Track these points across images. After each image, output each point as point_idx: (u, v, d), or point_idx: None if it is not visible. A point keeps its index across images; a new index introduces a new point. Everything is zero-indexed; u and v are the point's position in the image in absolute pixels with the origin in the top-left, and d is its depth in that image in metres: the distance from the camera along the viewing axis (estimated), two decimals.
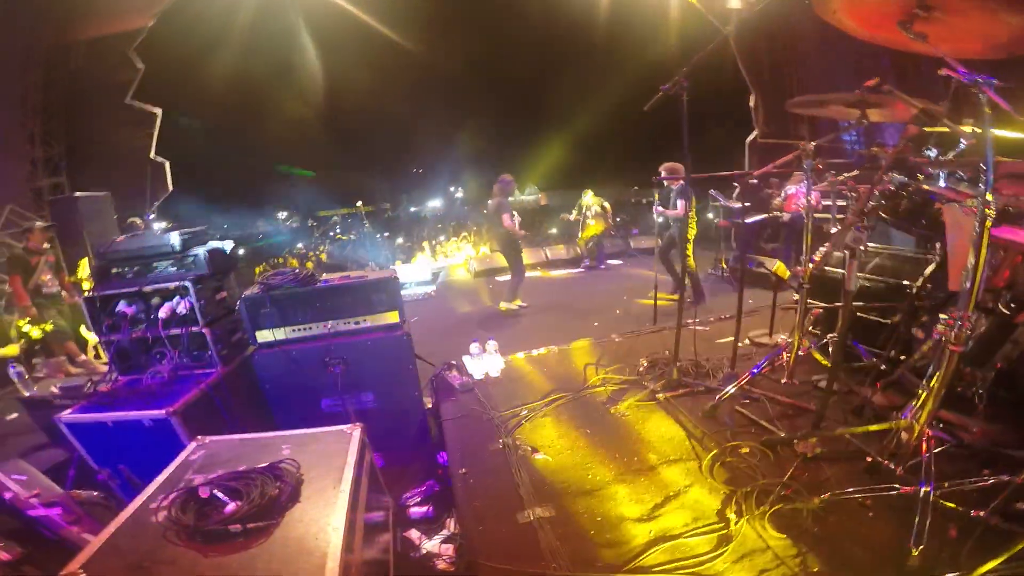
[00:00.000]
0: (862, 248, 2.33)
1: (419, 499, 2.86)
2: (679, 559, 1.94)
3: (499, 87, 18.40)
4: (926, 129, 2.52)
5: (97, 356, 5.42)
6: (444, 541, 2.52)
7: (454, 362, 3.84)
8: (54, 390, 3.29)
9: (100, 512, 2.39)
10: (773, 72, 9.64)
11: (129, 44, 7.99)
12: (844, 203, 3.51)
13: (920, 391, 2.30)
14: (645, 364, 3.61)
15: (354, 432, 2.13)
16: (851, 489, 2.14)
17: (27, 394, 3.54)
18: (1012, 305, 2.47)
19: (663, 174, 6.49)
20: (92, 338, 5.47)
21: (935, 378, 2.12)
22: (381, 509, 2.30)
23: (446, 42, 13.81)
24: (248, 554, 1.43)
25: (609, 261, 10.00)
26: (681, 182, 6.75)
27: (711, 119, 9.82)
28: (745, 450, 2.57)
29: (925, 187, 2.55)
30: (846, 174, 3.09)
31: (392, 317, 3.27)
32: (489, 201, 6.85)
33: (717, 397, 2.98)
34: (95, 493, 2.56)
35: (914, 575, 1.77)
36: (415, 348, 3.31)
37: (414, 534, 2.61)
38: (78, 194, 7.08)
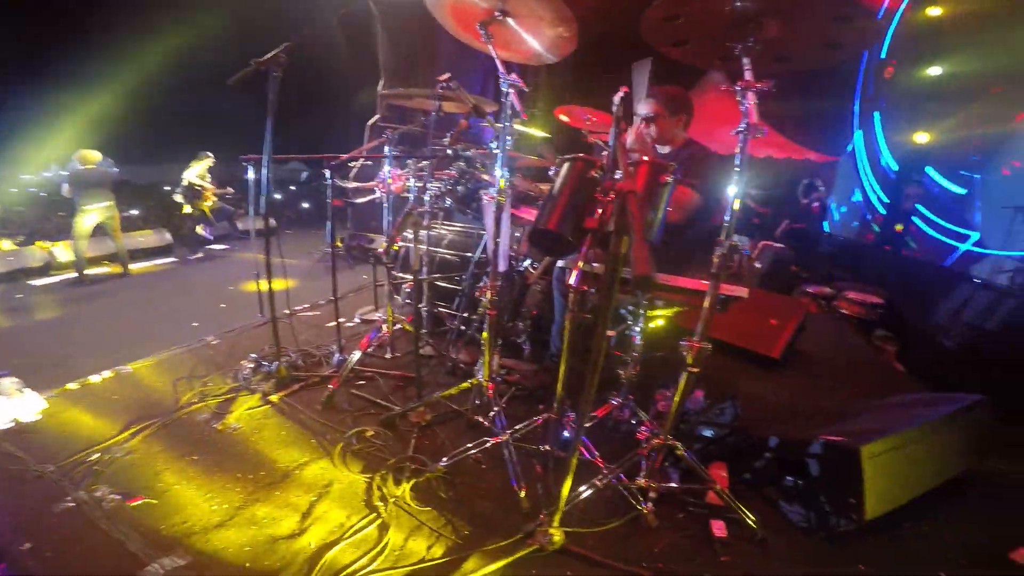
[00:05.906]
0: (424, 224, 2.66)
1: None
2: (352, 562, 1.82)
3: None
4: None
5: None
6: None
7: None
8: None
9: None
10: (405, 60, 9.46)
11: None
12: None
13: (483, 348, 2.66)
14: (250, 366, 3.22)
15: None
16: (463, 448, 2.30)
17: None
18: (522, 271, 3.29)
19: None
20: None
21: (485, 336, 2.50)
22: None
23: None
24: None
25: (214, 247, 8.56)
26: None
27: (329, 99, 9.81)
28: (370, 433, 2.58)
29: (479, 176, 3.10)
30: (425, 161, 3.38)
31: None
32: None
33: (330, 386, 2.92)
34: None
35: (534, 512, 1.96)
36: None
37: None
38: None
